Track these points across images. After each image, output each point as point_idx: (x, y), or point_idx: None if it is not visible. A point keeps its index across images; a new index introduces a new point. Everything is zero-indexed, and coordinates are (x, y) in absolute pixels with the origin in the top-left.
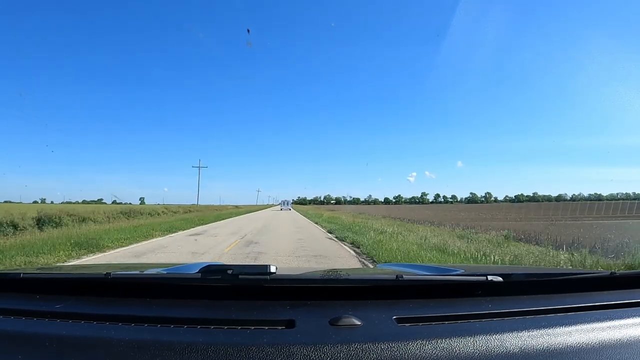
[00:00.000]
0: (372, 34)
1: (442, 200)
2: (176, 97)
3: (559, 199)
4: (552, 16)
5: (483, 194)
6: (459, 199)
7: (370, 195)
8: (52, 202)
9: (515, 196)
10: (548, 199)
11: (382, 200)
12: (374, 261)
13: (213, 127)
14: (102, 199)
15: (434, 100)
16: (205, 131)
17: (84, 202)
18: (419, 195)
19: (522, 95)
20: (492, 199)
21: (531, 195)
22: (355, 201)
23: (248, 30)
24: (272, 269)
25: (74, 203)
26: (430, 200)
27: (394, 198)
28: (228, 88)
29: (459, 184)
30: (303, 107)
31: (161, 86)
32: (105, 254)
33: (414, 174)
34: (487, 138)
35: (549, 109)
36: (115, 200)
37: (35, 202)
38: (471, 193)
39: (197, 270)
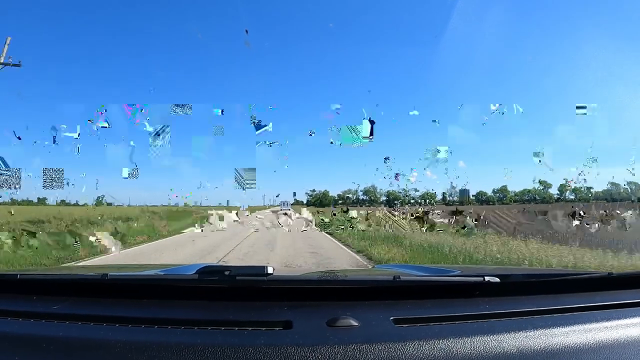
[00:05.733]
0: (374, 34)
1: (573, 196)
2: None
3: None
4: (552, 16)
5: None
6: (593, 193)
7: (505, 187)
8: None
9: None
10: None
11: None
12: None
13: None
14: (45, 198)
15: (436, 99)
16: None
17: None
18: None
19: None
20: None
21: None
22: (487, 196)
23: (246, 31)
24: (270, 270)
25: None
26: (556, 197)
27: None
28: (232, 88)
29: (463, 183)
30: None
31: (160, 85)
32: None
33: (415, 173)
34: (493, 137)
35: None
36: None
37: None
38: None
39: (194, 271)
